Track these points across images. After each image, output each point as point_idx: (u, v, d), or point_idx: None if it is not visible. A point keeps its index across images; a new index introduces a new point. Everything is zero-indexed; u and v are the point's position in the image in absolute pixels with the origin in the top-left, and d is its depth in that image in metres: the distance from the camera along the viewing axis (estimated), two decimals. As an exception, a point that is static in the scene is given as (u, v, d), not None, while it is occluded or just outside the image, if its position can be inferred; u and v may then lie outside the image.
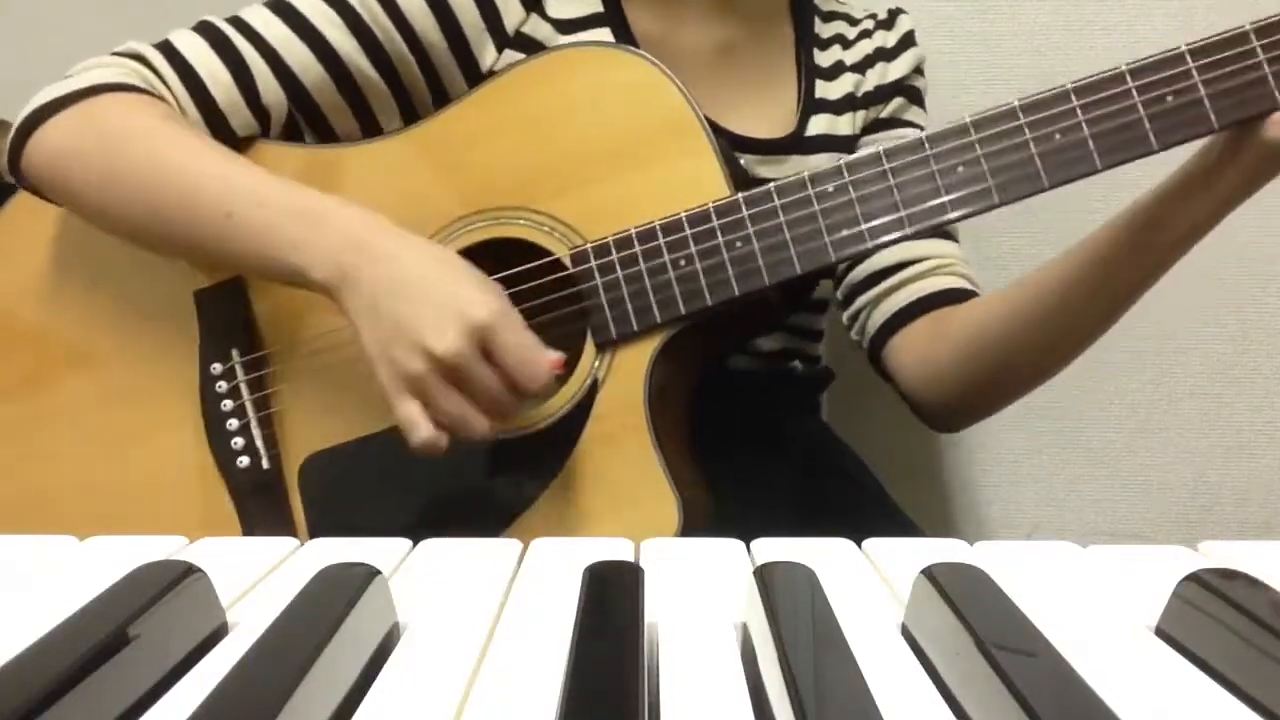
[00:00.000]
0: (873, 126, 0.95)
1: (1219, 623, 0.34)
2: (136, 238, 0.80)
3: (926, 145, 0.72)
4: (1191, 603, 0.36)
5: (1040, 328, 0.80)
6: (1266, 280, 1.21)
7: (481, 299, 0.68)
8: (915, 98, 0.97)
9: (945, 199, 0.71)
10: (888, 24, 0.97)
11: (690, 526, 0.71)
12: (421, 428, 0.68)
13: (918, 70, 0.97)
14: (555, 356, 0.70)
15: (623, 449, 0.73)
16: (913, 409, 0.92)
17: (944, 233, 0.91)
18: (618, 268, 0.74)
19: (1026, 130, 0.70)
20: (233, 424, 0.80)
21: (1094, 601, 0.40)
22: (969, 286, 0.89)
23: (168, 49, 0.82)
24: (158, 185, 0.75)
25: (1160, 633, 0.37)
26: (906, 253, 0.90)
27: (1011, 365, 0.83)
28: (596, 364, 0.75)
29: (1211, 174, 0.71)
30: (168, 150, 0.76)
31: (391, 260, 0.69)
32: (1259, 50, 0.68)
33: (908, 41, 0.97)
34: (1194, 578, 0.36)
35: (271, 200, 0.73)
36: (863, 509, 0.94)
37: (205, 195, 0.74)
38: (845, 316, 0.95)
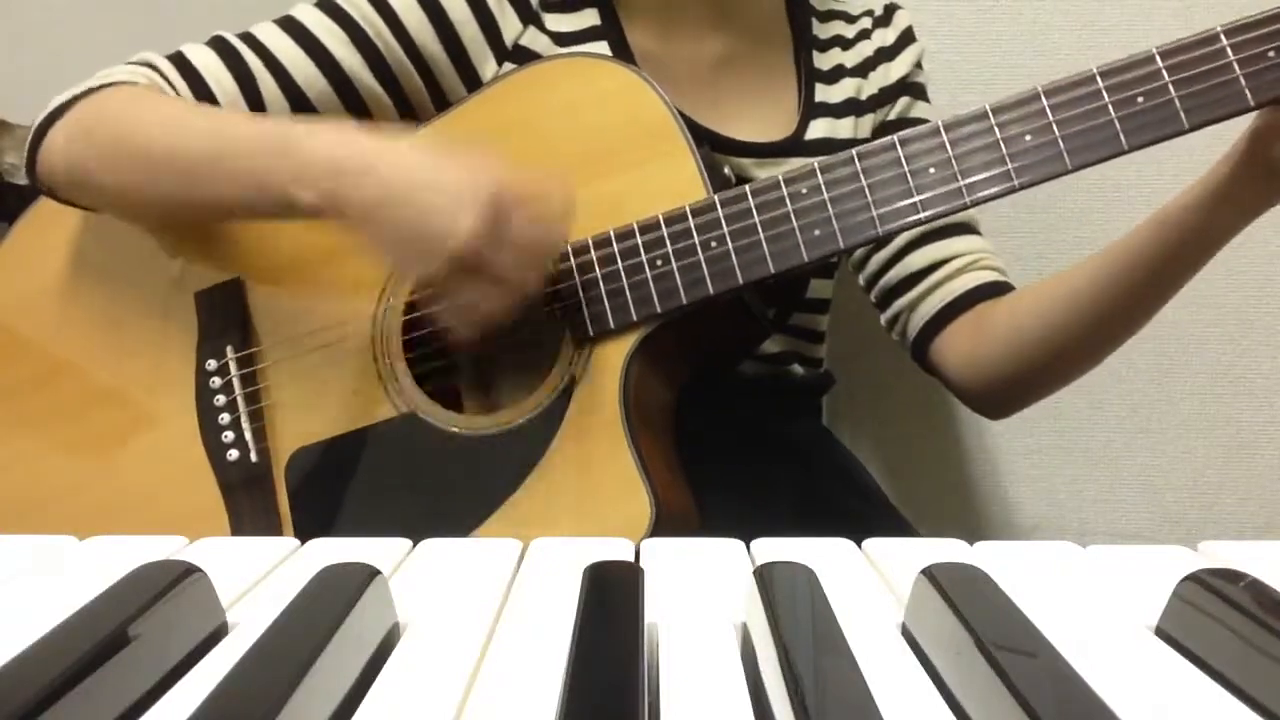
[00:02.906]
0: (882, 129, 0.95)
1: (1219, 623, 0.34)
2: (145, 211, 0.83)
3: (899, 145, 0.73)
4: (1191, 603, 0.36)
5: (1079, 320, 0.82)
6: (1266, 280, 1.21)
7: (477, 171, 0.69)
8: (920, 93, 0.97)
9: (917, 199, 0.72)
10: (885, 20, 0.97)
11: (671, 529, 0.71)
12: (464, 325, 0.71)
13: (918, 65, 0.98)
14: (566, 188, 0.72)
15: (598, 445, 0.74)
16: (964, 401, 0.94)
17: (969, 227, 0.93)
18: (595, 267, 0.76)
19: (997, 130, 0.71)
20: (224, 418, 0.81)
21: (1094, 601, 0.40)
22: (1001, 279, 0.91)
23: (179, 59, 0.84)
24: (143, 148, 0.77)
25: (1160, 633, 0.37)
26: (939, 253, 0.91)
27: (1051, 356, 0.85)
28: (573, 362, 0.76)
29: (1234, 182, 0.72)
30: (153, 113, 0.79)
31: (372, 172, 0.70)
32: (1228, 51, 0.68)
33: (907, 38, 0.97)
34: (1194, 578, 0.36)
35: (240, 134, 0.75)
36: (862, 512, 0.94)
37: (190, 147, 0.76)
38: (883, 319, 0.96)
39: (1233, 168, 0.72)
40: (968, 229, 0.93)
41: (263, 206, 0.75)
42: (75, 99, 0.80)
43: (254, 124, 0.77)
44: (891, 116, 0.95)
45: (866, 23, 0.97)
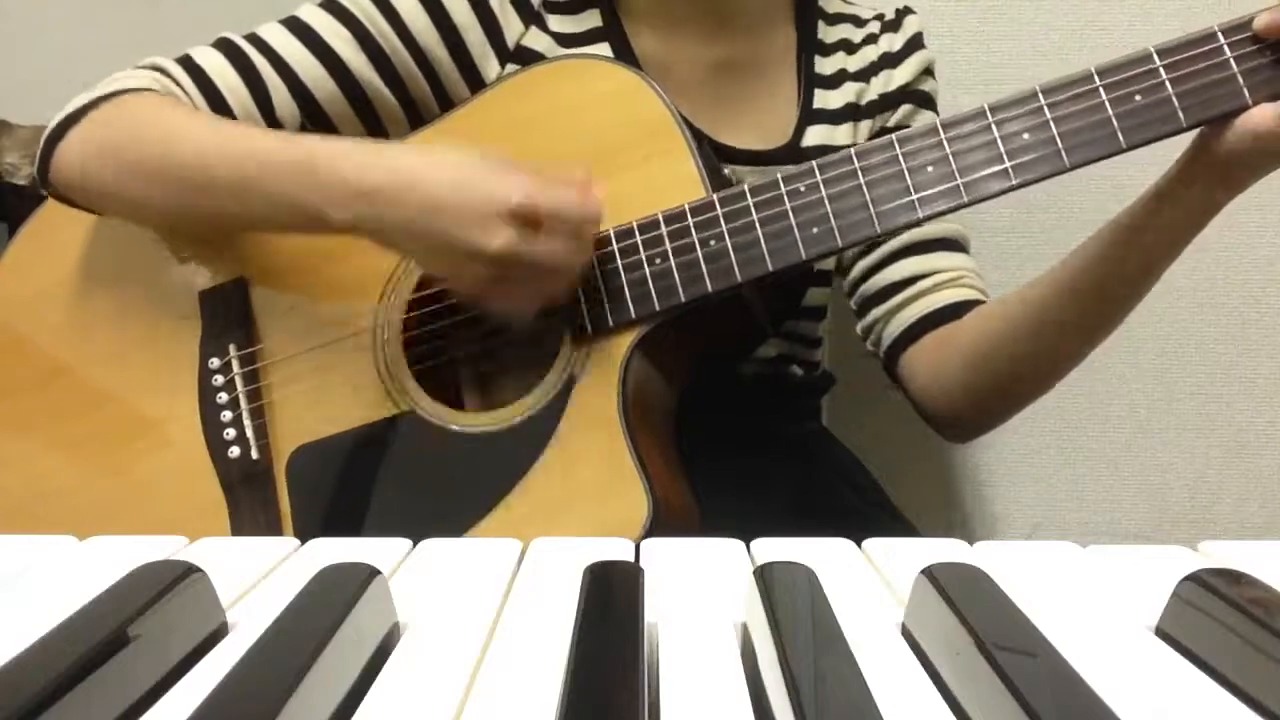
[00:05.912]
0: (880, 135, 0.94)
1: (1219, 623, 0.34)
2: (165, 219, 0.83)
3: (897, 144, 0.73)
4: (1191, 603, 0.36)
5: (1038, 335, 0.81)
6: (1266, 280, 1.21)
7: (505, 182, 0.70)
8: (923, 101, 0.95)
9: (915, 197, 0.72)
10: (894, 25, 0.95)
11: (670, 528, 0.71)
12: (516, 314, 0.75)
13: (926, 73, 0.96)
14: (592, 186, 0.73)
15: (596, 443, 0.74)
16: (926, 420, 0.93)
17: (956, 244, 0.92)
18: (595, 265, 0.76)
19: (995, 129, 0.71)
20: (226, 416, 0.81)
21: (1094, 601, 0.40)
22: (980, 298, 0.90)
23: (188, 63, 0.84)
24: (173, 169, 0.77)
25: (1160, 633, 0.37)
26: (919, 266, 0.90)
27: (1014, 373, 0.84)
28: (573, 360, 0.76)
29: (1179, 184, 0.72)
30: (180, 133, 0.79)
31: (406, 191, 0.71)
32: (1226, 49, 0.69)
33: (914, 45, 0.95)
34: (1194, 578, 0.36)
35: (269, 157, 0.75)
36: (862, 512, 0.94)
37: (217, 172, 0.76)
38: (859, 328, 0.96)
39: (1181, 169, 0.72)
40: (955, 246, 0.92)
41: (293, 224, 0.76)
42: (91, 105, 0.80)
43: (281, 143, 0.76)
44: (890, 123, 0.94)
45: (875, 27, 0.95)
